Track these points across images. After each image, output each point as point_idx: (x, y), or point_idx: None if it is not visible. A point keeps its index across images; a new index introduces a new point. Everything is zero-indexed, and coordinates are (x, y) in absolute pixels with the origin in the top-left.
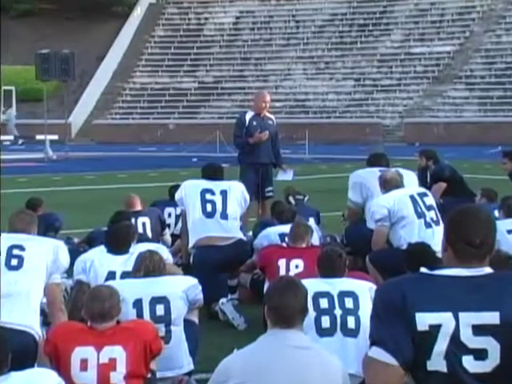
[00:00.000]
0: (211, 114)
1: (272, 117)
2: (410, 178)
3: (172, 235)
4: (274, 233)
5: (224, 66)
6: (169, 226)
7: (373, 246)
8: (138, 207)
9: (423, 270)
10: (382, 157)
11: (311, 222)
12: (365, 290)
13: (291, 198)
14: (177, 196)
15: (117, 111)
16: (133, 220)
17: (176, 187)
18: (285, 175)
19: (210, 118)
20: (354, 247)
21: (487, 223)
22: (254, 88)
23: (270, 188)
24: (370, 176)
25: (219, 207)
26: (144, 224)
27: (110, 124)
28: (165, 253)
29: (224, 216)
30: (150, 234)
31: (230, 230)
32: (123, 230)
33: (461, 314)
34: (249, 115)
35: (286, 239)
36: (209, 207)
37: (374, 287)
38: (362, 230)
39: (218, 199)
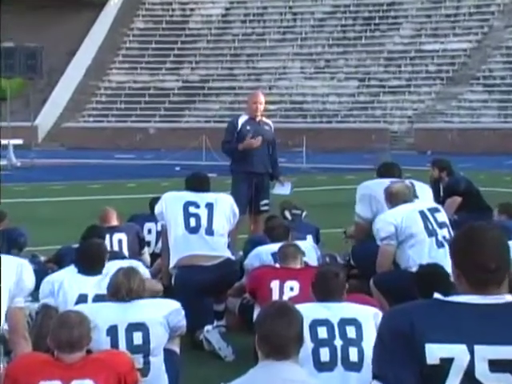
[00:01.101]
0: (197, 118)
1: (269, 122)
2: (425, 192)
3: (152, 254)
4: (266, 252)
5: (212, 63)
6: (148, 243)
7: (378, 267)
8: (114, 222)
9: (437, 295)
10: (393, 167)
11: (309, 239)
12: (369, 316)
13: (287, 213)
14: (157, 209)
15: (90, 113)
16: (108, 236)
17: (157, 200)
18: (282, 189)
19: (195, 122)
20: (362, 269)
21: (500, 243)
22: (245, 88)
23: (265, 201)
24: (381, 188)
25: (204, 222)
26: (120, 241)
27: (83, 127)
28: (140, 268)
29: (210, 232)
30: (126, 252)
31: (217, 247)
32: (96, 247)
33: (476, 347)
34: (242, 119)
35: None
36: (192, 222)
37: (380, 313)
38: (371, 249)
39: (202, 213)
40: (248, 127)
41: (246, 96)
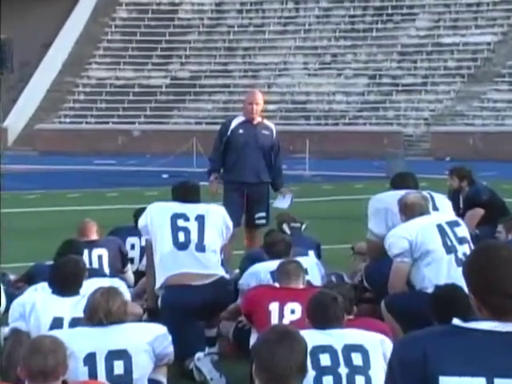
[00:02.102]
0: (186, 119)
1: (270, 125)
2: (443, 204)
3: (136, 272)
4: (264, 270)
5: (204, 57)
6: (132, 260)
7: (390, 287)
8: (94, 236)
9: (455, 321)
10: (409, 177)
11: (311, 255)
12: (376, 343)
13: (285, 227)
14: (141, 222)
15: (67, 113)
16: (86, 252)
17: (141, 211)
18: (282, 201)
19: (184, 124)
20: (376, 291)
21: None
22: (241, 86)
23: (261, 214)
24: (396, 200)
25: (194, 237)
26: (100, 257)
27: (58, 129)
28: (121, 288)
29: (200, 248)
30: (107, 269)
31: (209, 265)
32: (73, 264)
33: (497, 381)
34: (236, 121)
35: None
36: (181, 237)
37: (387, 340)
38: (386, 269)
39: (192, 226)
40: (241, 131)
41: (242, 95)
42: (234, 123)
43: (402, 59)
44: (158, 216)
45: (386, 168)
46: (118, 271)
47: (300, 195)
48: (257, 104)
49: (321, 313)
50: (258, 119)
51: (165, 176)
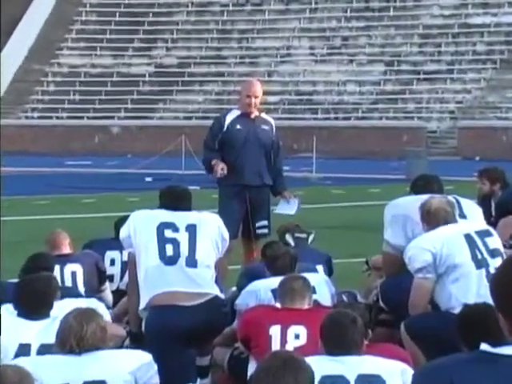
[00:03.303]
0: (174, 113)
1: (269, 120)
2: (472, 211)
3: (116, 291)
4: (264, 288)
5: (193, 41)
6: (111, 277)
7: (411, 307)
8: (67, 249)
9: (484, 346)
10: (432, 180)
11: (319, 271)
12: (395, 372)
13: (289, 237)
14: (123, 233)
15: (34, 107)
16: (58, 268)
17: (123, 220)
18: (287, 207)
19: (172, 119)
20: (394, 312)
21: None
22: (237, 75)
23: (263, 222)
24: (418, 207)
25: (184, 250)
26: (74, 274)
27: (24, 125)
28: (100, 309)
29: (192, 262)
30: (82, 288)
31: (201, 282)
32: (42, 282)
33: None
34: (232, 115)
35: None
36: (169, 250)
37: (409, 370)
38: (407, 287)
39: (182, 238)
40: (238, 126)
41: (238, 85)
42: (229, 118)
43: (424, 43)
44: (142, 226)
45: (405, 169)
46: (94, 290)
47: (306, 201)
48: (256, 97)
49: (337, 336)
50: (255, 112)
51: (148, 179)
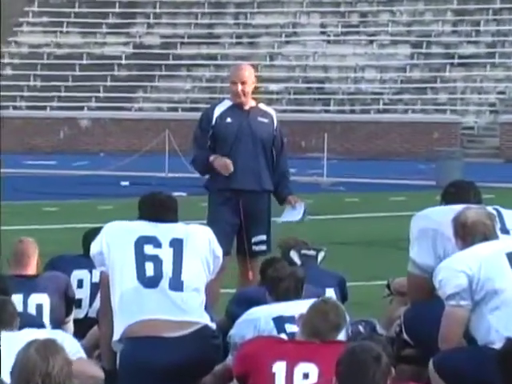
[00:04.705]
0: (156, 103)
1: (270, 111)
2: None
3: (84, 319)
4: (265, 316)
5: (179, 17)
6: (79, 302)
7: (441, 341)
8: (32, 268)
9: None
10: (469, 187)
11: (330, 295)
12: None
13: (295, 255)
14: (93, 249)
15: None
16: (20, 298)
17: (94, 233)
18: (292, 214)
19: (153, 110)
20: (420, 346)
21: None
22: (233, 57)
23: (260, 237)
24: (450, 220)
25: (168, 269)
26: (40, 307)
27: None
28: (68, 343)
29: (176, 285)
30: (47, 318)
31: (187, 309)
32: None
33: None
34: (221, 107)
35: (288, 327)
36: (150, 269)
37: None
38: (435, 316)
39: (166, 255)
40: (229, 119)
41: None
42: (218, 110)
43: (460, 20)
44: (117, 240)
45: (435, 173)
46: (60, 320)
47: (315, 211)
48: (243, 83)
49: (356, 376)
50: (250, 103)
51: (125, 183)
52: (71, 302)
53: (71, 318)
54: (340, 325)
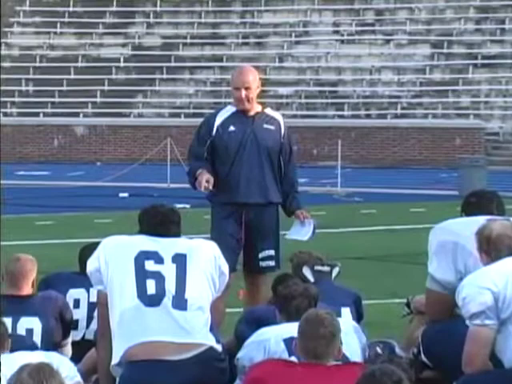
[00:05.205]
0: (156, 109)
1: (276, 116)
2: None
3: (82, 341)
4: (275, 337)
5: (181, 16)
6: (75, 323)
7: (465, 363)
8: (27, 289)
9: None
10: (491, 197)
11: (346, 315)
12: None
13: (307, 271)
14: (91, 266)
15: None
16: (9, 322)
17: (91, 249)
18: (299, 231)
19: (154, 116)
20: (439, 368)
21: None
22: (239, 59)
23: (268, 252)
24: (472, 232)
25: (171, 287)
26: (30, 332)
27: None
28: (65, 366)
29: (180, 304)
30: (38, 340)
31: (191, 330)
32: None
33: None
34: (224, 114)
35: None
36: (151, 286)
37: None
38: (455, 336)
39: (168, 271)
40: (232, 127)
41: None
42: (220, 117)
43: (483, 18)
44: (116, 256)
45: (458, 183)
46: (56, 343)
47: (329, 223)
48: (247, 88)
49: None
50: (255, 108)
51: (123, 195)
52: (68, 325)
53: (69, 340)
54: (333, 334)
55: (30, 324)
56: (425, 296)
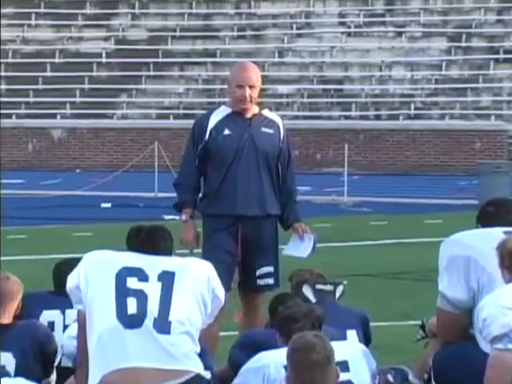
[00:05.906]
0: (143, 109)
1: (275, 119)
2: None
3: (58, 368)
4: (275, 362)
5: (170, 6)
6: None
7: None
8: (9, 316)
9: None
10: (511, 207)
11: (353, 339)
12: None
13: (308, 290)
14: (70, 283)
15: None
16: None
17: (68, 265)
18: (298, 247)
19: (139, 117)
20: None
21: None
22: (234, 53)
23: (266, 269)
24: (488, 246)
25: (154, 307)
26: (2, 370)
27: None
28: None
29: (163, 326)
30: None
31: (176, 355)
32: None
33: None
34: (217, 115)
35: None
36: (132, 306)
37: None
38: (471, 361)
39: (152, 290)
40: (227, 131)
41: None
42: (213, 119)
43: (505, 8)
44: (97, 272)
45: (478, 191)
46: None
47: (334, 237)
48: (251, 87)
49: None
50: (253, 109)
51: (105, 205)
52: (51, 362)
53: (52, 378)
54: (328, 357)
55: (3, 360)
56: (436, 316)
